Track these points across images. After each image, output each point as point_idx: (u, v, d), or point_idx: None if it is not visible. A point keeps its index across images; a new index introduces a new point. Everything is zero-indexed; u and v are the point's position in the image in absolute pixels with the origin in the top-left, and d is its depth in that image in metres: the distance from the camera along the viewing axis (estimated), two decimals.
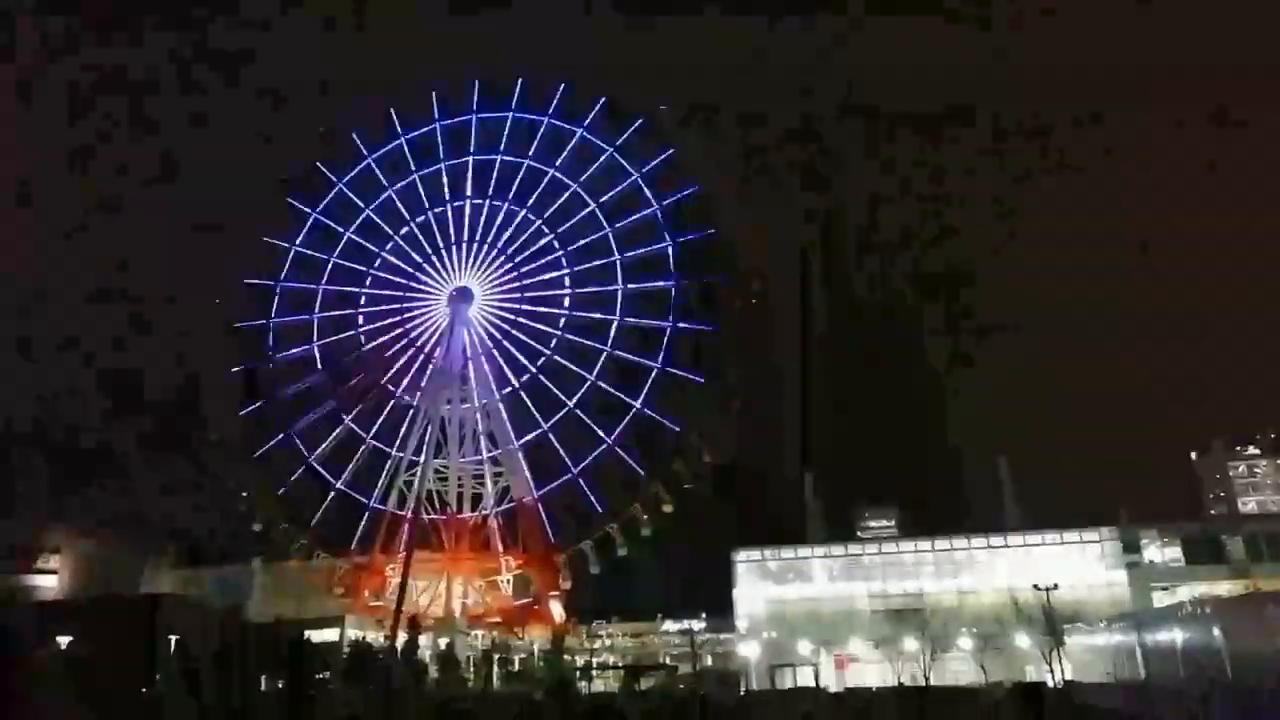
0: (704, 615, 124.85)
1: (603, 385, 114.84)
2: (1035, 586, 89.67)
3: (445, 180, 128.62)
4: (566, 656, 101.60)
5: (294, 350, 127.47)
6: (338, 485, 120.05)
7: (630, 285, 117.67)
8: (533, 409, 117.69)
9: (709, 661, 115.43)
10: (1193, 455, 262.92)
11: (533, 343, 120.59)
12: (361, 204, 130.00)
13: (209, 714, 63.67)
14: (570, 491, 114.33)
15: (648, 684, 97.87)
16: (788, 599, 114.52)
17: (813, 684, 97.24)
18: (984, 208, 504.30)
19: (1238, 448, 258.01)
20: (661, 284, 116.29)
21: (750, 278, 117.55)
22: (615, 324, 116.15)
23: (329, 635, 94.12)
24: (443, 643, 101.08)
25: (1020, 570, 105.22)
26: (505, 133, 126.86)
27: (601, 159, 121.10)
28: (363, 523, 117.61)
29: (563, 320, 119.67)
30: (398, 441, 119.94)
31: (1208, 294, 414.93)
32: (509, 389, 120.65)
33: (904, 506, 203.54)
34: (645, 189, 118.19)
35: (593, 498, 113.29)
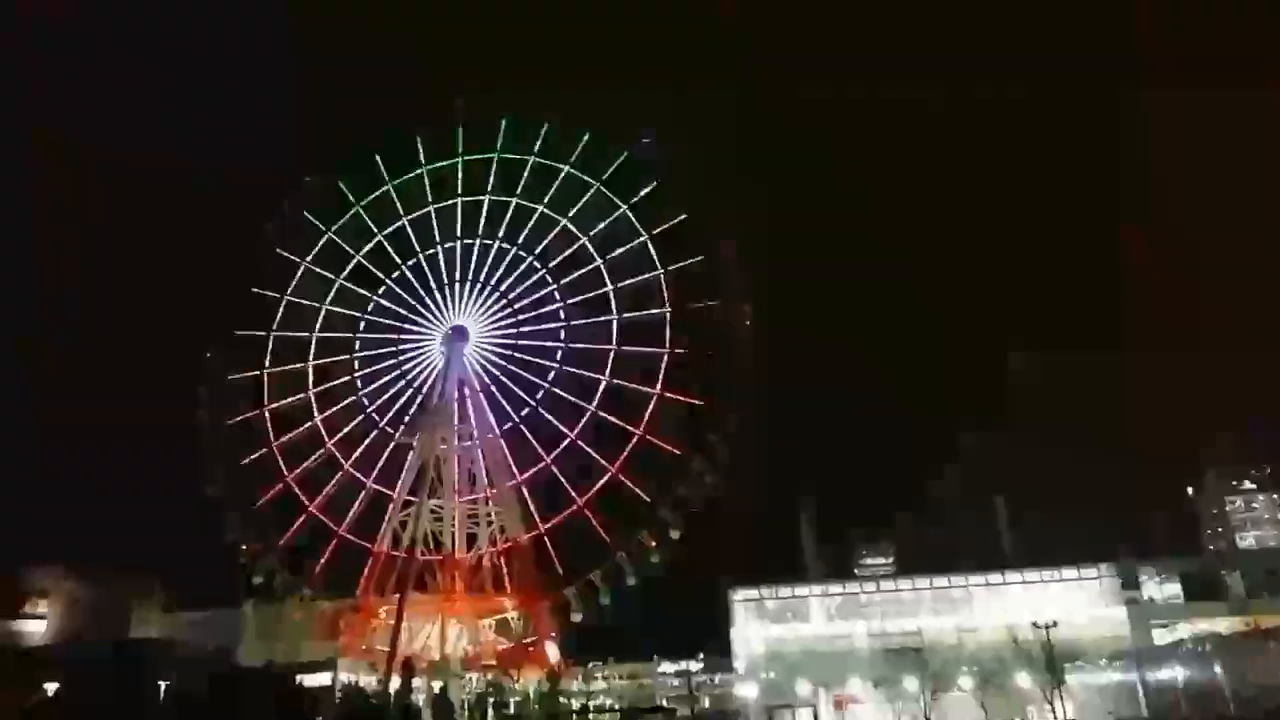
0: (701, 656, 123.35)
1: (603, 415, 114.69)
2: (1035, 624, 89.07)
3: (435, 223, 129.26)
4: (562, 699, 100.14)
5: (289, 399, 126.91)
6: (340, 532, 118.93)
7: (625, 315, 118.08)
8: (534, 442, 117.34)
9: (706, 703, 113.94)
10: (1189, 490, 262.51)
11: (531, 377, 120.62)
12: (351, 251, 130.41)
13: None
14: (575, 525, 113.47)
15: None
16: (786, 638, 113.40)
17: None
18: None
19: (1234, 482, 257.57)
20: (655, 312, 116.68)
21: (744, 301, 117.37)
22: (612, 354, 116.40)
23: (321, 679, 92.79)
24: (436, 686, 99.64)
25: (1019, 607, 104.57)
26: (492, 173, 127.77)
27: (588, 194, 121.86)
28: (367, 568, 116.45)
29: (559, 353, 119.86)
30: (399, 486, 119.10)
31: (1204, 325, 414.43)
32: (509, 424, 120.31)
33: (901, 544, 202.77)
34: (633, 220, 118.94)
35: (599, 529, 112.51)
